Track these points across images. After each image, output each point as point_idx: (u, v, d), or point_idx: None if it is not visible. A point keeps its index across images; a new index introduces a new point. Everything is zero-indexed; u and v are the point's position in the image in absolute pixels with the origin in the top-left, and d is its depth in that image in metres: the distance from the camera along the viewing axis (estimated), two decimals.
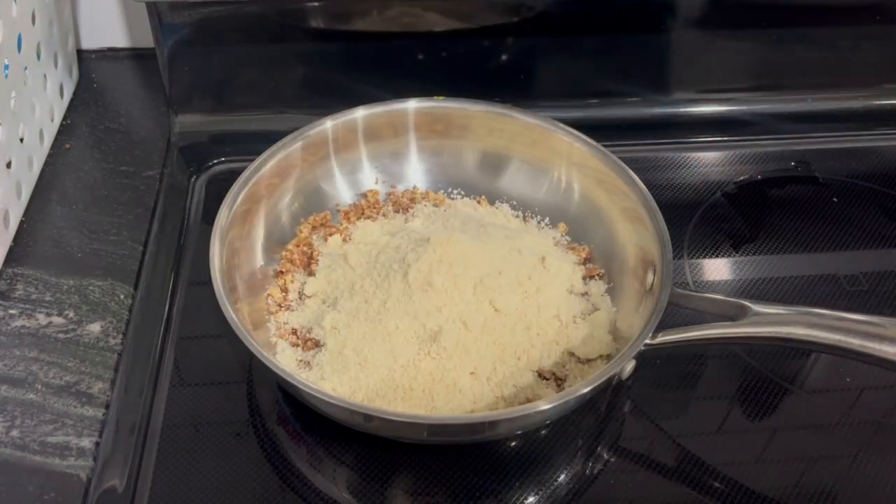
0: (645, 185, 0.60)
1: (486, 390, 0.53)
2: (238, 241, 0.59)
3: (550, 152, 0.66)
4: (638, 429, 0.57)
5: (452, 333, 0.53)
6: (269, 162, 0.61)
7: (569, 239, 0.65)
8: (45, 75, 0.69)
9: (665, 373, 0.59)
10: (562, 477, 0.53)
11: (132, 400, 0.56)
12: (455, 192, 0.69)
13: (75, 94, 0.77)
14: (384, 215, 0.66)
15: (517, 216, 0.67)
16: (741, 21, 0.77)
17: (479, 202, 0.68)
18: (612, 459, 0.54)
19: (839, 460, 0.55)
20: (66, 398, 0.54)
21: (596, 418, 0.57)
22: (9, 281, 0.61)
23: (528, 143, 0.66)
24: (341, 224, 0.65)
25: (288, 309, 0.59)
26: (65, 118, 0.74)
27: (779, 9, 0.77)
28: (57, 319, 0.59)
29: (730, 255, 0.68)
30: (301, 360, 0.56)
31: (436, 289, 0.55)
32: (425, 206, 0.66)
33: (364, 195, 0.68)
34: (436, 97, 0.66)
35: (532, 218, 0.67)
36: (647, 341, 0.51)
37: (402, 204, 0.67)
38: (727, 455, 0.55)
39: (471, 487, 0.52)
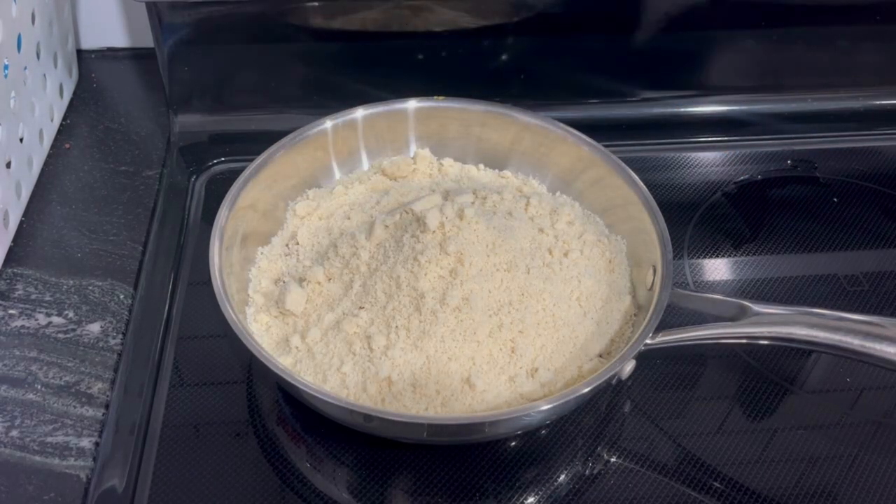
0: (645, 185, 0.60)
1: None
2: (238, 241, 0.58)
3: (551, 152, 0.66)
4: (638, 429, 0.57)
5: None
6: (269, 162, 0.61)
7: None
8: (44, 75, 0.69)
9: (665, 373, 0.59)
10: (562, 477, 0.53)
11: (132, 400, 0.56)
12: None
13: (75, 94, 0.77)
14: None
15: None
16: (741, 21, 0.77)
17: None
18: (612, 459, 0.54)
19: (839, 460, 0.55)
20: (66, 398, 0.54)
21: (596, 418, 0.57)
22: (9, 281, 0.61)
23: (528, 143, 0.66)
24: None
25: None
26: (65, 118, 0.74)
27: (779, 9, 0.76)
28: (57, 319, 0.59)
29: (730, 255, 0.68)
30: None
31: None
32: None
33: None
34: (436, 97, 0.66)
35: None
36: (647, 341, 0.51)
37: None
38: (727, 455, 0.55)
39: (471, 487, 0.52)
